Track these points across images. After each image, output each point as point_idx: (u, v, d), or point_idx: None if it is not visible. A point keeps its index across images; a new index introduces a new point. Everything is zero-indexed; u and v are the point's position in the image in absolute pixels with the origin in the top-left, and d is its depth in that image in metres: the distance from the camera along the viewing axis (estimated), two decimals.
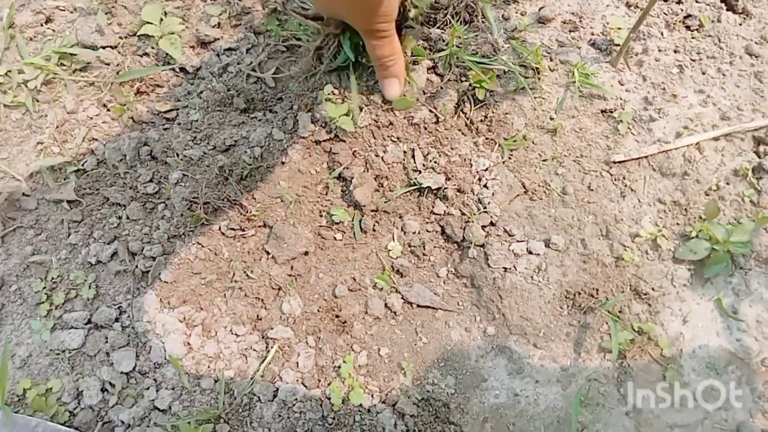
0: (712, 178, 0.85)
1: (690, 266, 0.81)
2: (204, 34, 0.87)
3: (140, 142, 0.80)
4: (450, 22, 0.89)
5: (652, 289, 0.79)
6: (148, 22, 0.86)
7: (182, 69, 0.87)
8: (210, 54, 0.89)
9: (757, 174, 0.85)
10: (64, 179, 0.78)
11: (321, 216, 0.81)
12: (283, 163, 0.83)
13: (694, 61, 0.94)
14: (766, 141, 0.88)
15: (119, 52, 0.88)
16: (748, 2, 1.00)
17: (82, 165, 0.78)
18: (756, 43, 0.97)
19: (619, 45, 0.90)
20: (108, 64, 0.87)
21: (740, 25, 0.99)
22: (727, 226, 0.82)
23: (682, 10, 0.98)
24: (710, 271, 0.79)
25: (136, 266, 0.72)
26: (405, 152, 0.83)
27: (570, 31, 0.94)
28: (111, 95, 0.84)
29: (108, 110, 0.84)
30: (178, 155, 0.80)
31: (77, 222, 0.76)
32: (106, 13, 0.88)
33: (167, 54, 0.85)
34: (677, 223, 0.83)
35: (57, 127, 0.80)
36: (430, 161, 0.83)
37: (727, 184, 0.85)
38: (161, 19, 0.87)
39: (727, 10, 1.00)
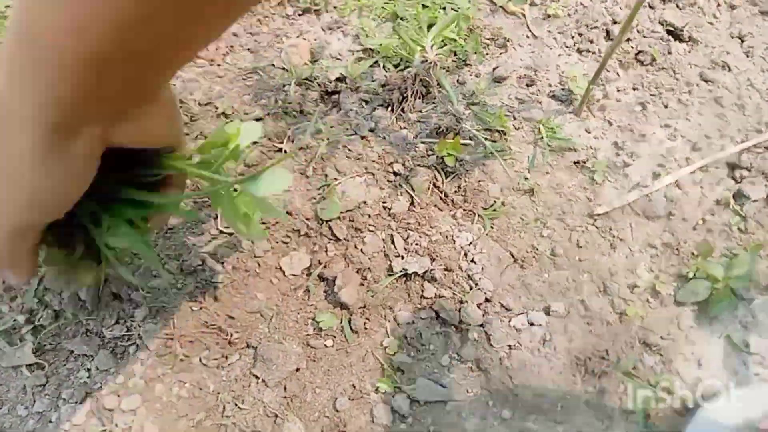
0: (696, 213, 0.85)
1: (694, 307, 0.81)
2: None
3: (99, 282, 0.76)
4: (407, 99, 0.88)
5: (661, 338, 0.79)
6: None
7: None
8: None
9: (738, 201, 0.87)
10: (20, 341, 0.73)
11: (307, 324, 0.78)
12: (257, 273, 0.79)
13: (654, 96, 0.96)
14: (739, 165, 0.90)
15: None
16: (692, 30, 1.03)
17: (39, 321, 0.74)
18: (708, 68, 1.00)
19: (578, 94, 0.91)
20: None
21: (689, 52, 1.02)
22: (722, 259, 0.82)
23: (632, 47, 1.01)
24: (715, 310, 0.79)
25: (116, 425, 0.67)
26: (384, 240, 0.81)
27: (527, 86, 0.96)
28: None
29: None
30: (142, 289, 0.76)
31: (41, 386, 0.70)
32: None
33: None
34: (672, 265, 0.82)
35: (3, 282, 0.75)
36: (412, 245, 0.81)
37: (712, 215, 0.86)
38: None
39: (675, 40, 1.03)
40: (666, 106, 0.96)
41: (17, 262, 0.43)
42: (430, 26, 0.98)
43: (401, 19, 1.01)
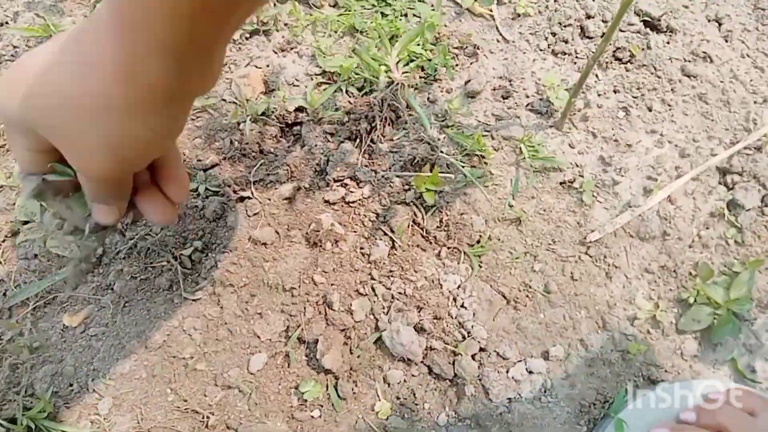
0: (691, 229, 0.81)
1: (696, 334, 0.77)
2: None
3: (56, 374, 0.68)
4: (375, 128, 0.80)
5: (665, 371, 0.75)
6: (26, 221, 0.73)
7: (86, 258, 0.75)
8: (112, 233, 0.77)
9: (732, 210, 0.82)
10: None
11: (290, 395, 0.72)
12: (229, 342, 0.72)
13: (636, 98, 0.90)
14: (730, 170, 0.85)
15: None
16: (669, 19, 0.97)
17: None
18: (689, 61, 0.94)
19: (557, 106, 0.84)
20: None
21: (668, 44, 0.96)
22: (722, 278, 0.78)
23: (610, 44, 0.94)
24: (717, 336, 0.76)
25: None
26: (367, 294, 0.75)
27: (503, 99, 0.89)
28: (1, 330, 0.71)
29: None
30: (104, 376, 0.68)
31: None
32: None
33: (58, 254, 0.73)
34: (671, 289, 0.79)
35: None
36: (396, 294, 0.74)
37: (707, 228, 0.82)
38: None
39: (653, 31, 0.97)
40: (650, 109, 0.90)
41: (110, 203, 0.47)
42: (392, 38, 0.90)
43: (360, 32, 0.92)
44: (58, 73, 0.37)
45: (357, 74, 0.86)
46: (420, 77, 0.89)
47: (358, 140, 0.83)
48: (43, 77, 0.38)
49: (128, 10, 0.32)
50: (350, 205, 0.80)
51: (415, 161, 0.81)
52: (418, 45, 0.89)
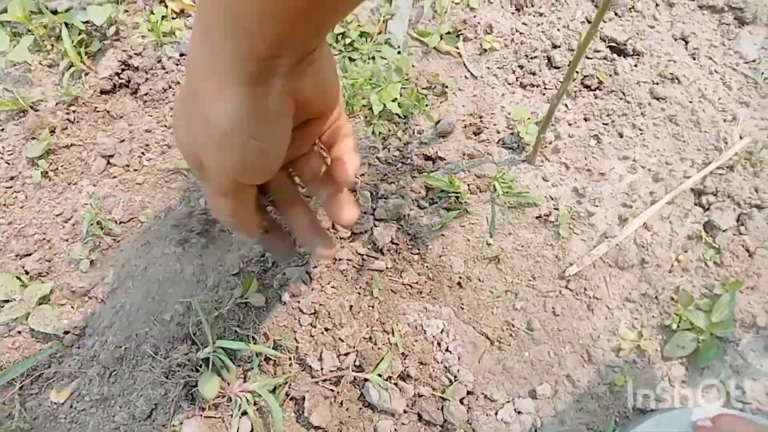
0: (669, 254, 0.82)
1: (682, 359, 0.77)
2: (78, 285, 0.76)
3: None
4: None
5: (654, 399, 0.75)
6: (6, 300, 0.74)
7: (66, 333, 0.75)
8: (94, 303, 0.78)
9: (709, 232, 0.83)
10: None
11: None
12: (216, 406, 0.72)
13: (606, 125, 0.92)
14: (705, 191, 0.86)
15: None
16: (635, 42, 0.99)
17: None
18: (657, 83, 0.96)
19: (528, 141, 0.86)
20: None
21: (636, 67, 0.98)
22: (703, 302, 0.79)
23: (577, 72, 0.95)
24: (703, 360, 0.77)
25: None
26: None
27: (475, 135, 0.90)
28: None
29: None
30: None
31: None
32: None
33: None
34: (653, 316, 0.79)
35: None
36: (380, 344, 0.75)
37: (686, 252, 0.83)
38: (23, 286, 0.75)
39: (619, 56, 0.98)
40: (621, 135, 0.92)
41: (240, 220, 0.46)
42: (366, 81, 0.91)
43: None
44: (190, 116, 0.40)
45: None
46: (393, 124, 0.90)
47: None
48: (180, 116, 0.42)
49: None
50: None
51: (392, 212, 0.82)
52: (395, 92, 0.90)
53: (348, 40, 0.96)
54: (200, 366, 0.73)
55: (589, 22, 1.02)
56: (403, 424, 0.75)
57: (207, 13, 0.35)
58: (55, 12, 0.93)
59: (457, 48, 0.98)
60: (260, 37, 0.34)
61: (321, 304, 0.77)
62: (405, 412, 0.75)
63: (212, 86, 0.37)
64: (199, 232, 0.81)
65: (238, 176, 0.41)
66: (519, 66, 0.97)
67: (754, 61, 0.97)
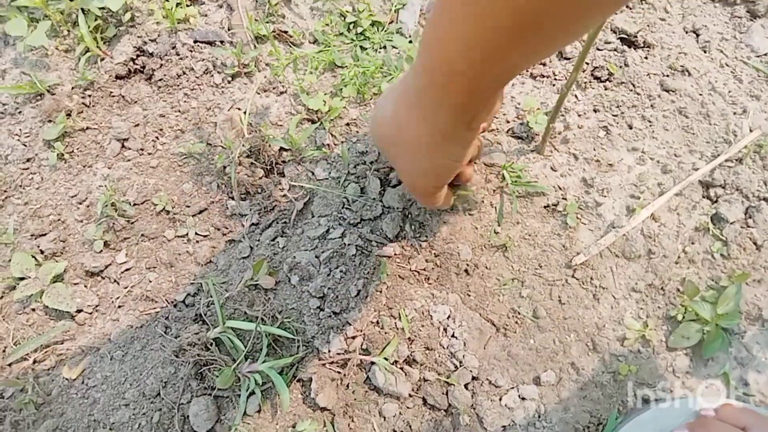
0: (676, 246, 0.82)
1: (687, 351, 0.78)
2: (92, 265, 0.77)
3: (57, 428, 0.70)
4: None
5: (658, 389, 0.76)
6: (21, 278, 0.75)
7: (79, 311, 0.77)
8: (106, 283, 0.79)
9: (717, 224, 0.83)
10: None
11: None
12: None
13: (616, 116, 0.92)
14: (713, 183, 0.86)
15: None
16: (646, 34, 0.99)
17: None
18: (667, 75, 0.96)
19: (538, 131, 0.86)
20: None
21: (646, 59, 0.98)
22: (709, 293, 0.79)
23: (588, 63, 0.96)
24: (708, 352, 0.77)
25: None
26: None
27: None
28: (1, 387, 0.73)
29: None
30: (104, 426, 0.70)
31: None
32: None
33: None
34: (659, 307, 0.80)
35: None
36: (387, 329, 0.76)
37: (693, 244, 0.83)
38: (38, 265, 0.77)
39: (630, 47, 0.98)
40: (630, 127, 0.92)
41: (438, 202, 0.70)
42: (377, 69, 0.91)
43: (341, 67, 0.94)
44: (388, 126, 0.59)
45: (343, 115, 0.88)
46: None
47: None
48: (382, 124, 0.60)
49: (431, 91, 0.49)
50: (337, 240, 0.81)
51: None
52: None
53: (360, 29, 0.97)
54: (211, 345, 0.74)
55: None
56: (408, 407, 0.76)
57: (423, 87, 0.49)
58: None
59: None
60: (468, 114, 0.50)
61: (329, 288, 0.79)
62: (410, 395, 0.76)
63: (426, 140, 0.54)
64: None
65: (438, 184, 0.65)
66: None
67: (765, 54, 0.97)
